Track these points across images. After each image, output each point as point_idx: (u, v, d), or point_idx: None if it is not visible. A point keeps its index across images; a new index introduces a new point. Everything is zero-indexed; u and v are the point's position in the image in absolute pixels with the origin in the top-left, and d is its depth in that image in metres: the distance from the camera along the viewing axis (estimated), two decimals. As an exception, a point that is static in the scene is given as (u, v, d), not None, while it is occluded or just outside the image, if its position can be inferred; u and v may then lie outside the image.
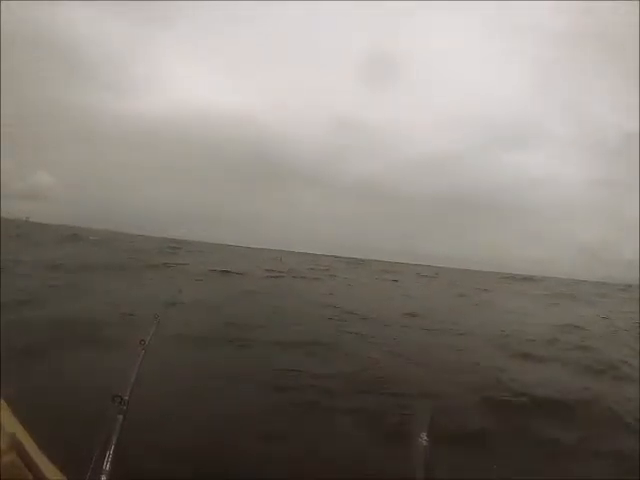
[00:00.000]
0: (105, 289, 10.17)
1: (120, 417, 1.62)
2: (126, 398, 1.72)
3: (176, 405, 3.87)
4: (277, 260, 36.06)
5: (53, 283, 9.95)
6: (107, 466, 1.44)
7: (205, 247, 45.30)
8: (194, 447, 3.26)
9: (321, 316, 9.34)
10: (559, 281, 58.40)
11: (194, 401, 4.04)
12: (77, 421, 2.83)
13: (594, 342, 9.10)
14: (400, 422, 3.58)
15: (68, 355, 4.85)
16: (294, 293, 13.42)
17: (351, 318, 9.42)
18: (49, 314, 6.59)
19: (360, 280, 24.82)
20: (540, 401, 4.73)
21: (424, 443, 1.82)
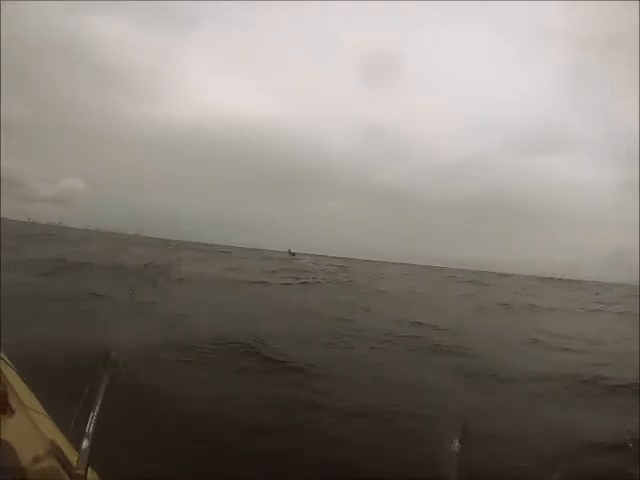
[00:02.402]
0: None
1: (107, 377, 1.50)
2: (115, 358, 1.58)
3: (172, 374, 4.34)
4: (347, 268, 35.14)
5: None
6: (90, 429, 1.35)
7: (251, 253, 45.52)
8: (182, 416, 3.39)
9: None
10: (596, 284, 57.24)
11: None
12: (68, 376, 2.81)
13: None
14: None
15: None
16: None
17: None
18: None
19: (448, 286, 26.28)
20: None
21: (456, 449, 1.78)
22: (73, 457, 1.36)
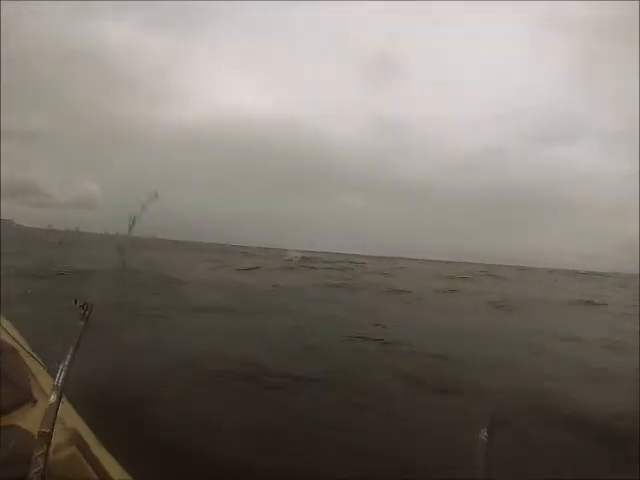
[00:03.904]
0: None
1: (82, 324, 1.43)
2: (92, 303, 1.51)
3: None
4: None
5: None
6: (59, 381, 1.29)
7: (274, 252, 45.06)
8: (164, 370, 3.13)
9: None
10: (625, 276, 54.04)
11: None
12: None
13: None
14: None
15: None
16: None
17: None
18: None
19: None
20: None
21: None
22: (95, 446, 1.39)
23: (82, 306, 1.47)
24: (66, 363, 1.29)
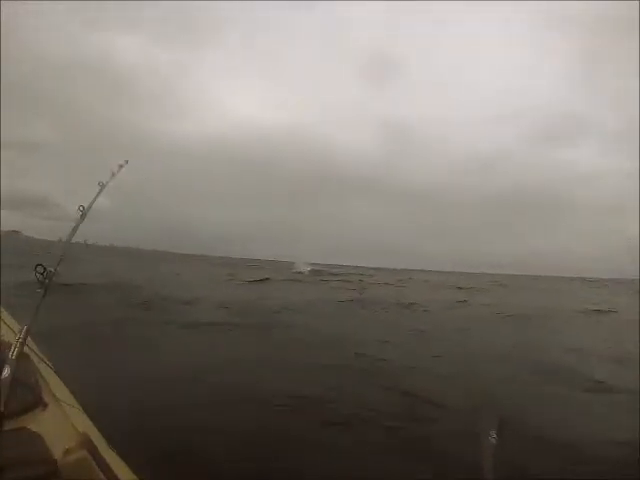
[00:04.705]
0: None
1: (40, 292, 1.39)
2: (51, 269, 1.48)
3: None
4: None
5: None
6: (13, 353, 1.28)
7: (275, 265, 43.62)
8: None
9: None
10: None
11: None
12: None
13: None
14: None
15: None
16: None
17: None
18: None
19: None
20: None
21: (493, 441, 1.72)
22: (105, 450, 1.39)
23: (42, 273, 1.47)
24: (24, 329, 1.39)
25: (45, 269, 1.48)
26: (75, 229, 2.03)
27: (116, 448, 1.48)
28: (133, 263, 28.68)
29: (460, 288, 25.80)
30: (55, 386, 1.87)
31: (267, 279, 22.67)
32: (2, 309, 2.75)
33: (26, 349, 2.02)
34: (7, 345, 2.01)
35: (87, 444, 1.38)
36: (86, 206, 2.14)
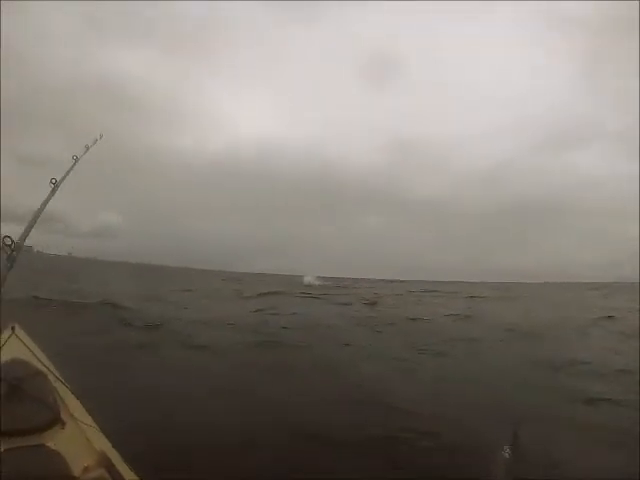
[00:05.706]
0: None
1: (7, 264, 1.42)
2: (18, 242, 1.49)
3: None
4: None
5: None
6: None
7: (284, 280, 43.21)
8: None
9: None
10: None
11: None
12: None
13: None
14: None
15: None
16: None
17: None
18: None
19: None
20: None
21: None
22: (123, 468, 1.41)
23: (9, 245, 1.48)
24: None
25: (12, 240, 1.48)
26: (45, 202, 2.09)
27: (132, 467, 1.50)
28: (142, 280, 28.75)
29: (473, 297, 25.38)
30: (73, 406, 1.92)
31: (279, 292, 22.71)
32: None
33: (44, 369, 2.19)
34: None
35: (105, 462, 1.42)
36: (58, 179, 2.25)
